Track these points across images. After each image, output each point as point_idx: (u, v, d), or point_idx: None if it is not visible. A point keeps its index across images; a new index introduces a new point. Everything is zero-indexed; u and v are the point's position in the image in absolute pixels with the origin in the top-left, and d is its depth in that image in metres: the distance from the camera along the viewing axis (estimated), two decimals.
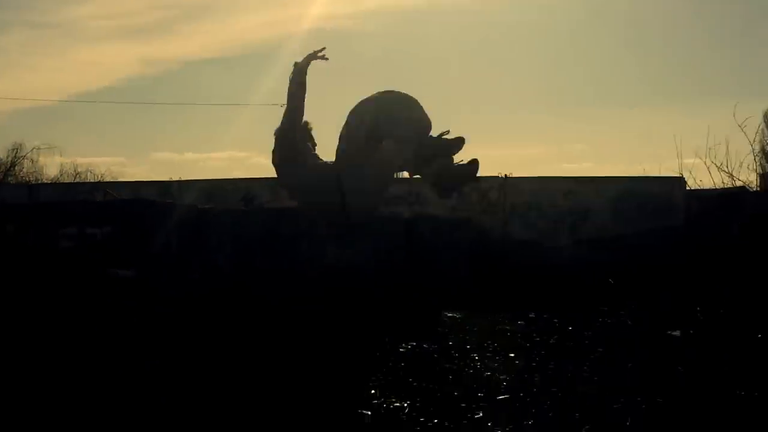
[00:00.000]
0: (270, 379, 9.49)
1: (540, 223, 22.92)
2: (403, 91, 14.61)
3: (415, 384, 9.63)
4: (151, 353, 9.44)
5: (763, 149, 34.94)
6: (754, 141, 26.31)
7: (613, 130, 79.27)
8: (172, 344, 10.44)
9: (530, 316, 15.28)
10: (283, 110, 14.48)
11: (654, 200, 22.14)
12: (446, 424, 7.99)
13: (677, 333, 5.76)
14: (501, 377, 9.97)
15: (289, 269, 8.90)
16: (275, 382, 9.39)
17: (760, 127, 36.53)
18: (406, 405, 8.66)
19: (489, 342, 12.60)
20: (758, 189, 22.78)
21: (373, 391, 9.22)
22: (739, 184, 24.04)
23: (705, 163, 25.75)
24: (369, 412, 8.25)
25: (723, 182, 24.66)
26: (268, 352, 10.51)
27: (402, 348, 11.81)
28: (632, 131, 75.97)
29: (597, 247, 21.69)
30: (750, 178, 26.26)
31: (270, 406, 8.51)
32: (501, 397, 8.92)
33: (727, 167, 24.43)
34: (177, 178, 26.43)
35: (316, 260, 10.44)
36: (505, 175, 23.75)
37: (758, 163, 28.58)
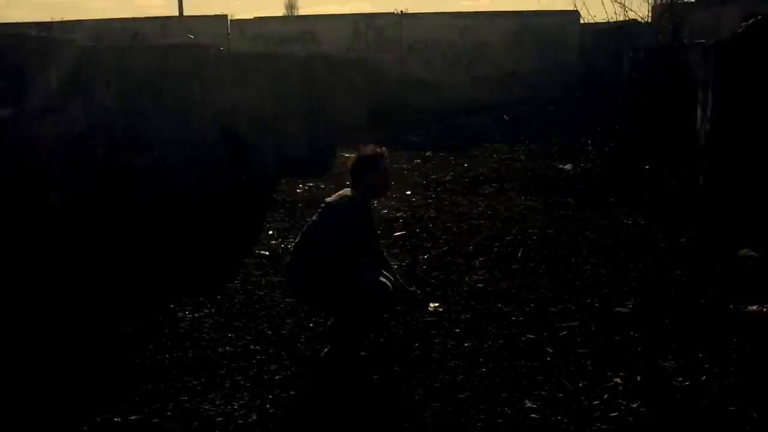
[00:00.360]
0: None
1: (437, 61, 22.76)
2: None
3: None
4: None
5: None
6: None
7: None
8: None
9: (427, 154, 15.41)
10: None
11: (549, 35, 22.17)
12: None
13: (626, 310, 5.94)
14: (398, 214, 10.07)
15: (178, 110, 8.55)
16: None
17: None
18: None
19: None
20: (649, 21, 22.90)
21: (270, 232, 9.21)
22: (632, 16, 24.15)
23: None
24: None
25: (616, 14, 24.70)
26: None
27: (299, 188, 11.80)
28: None
29: (493, 84, 21.74)
30: (643, 11, 26.41)
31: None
32: (397, 233, 9.03)
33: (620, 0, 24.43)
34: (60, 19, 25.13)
35: (211, 103, 10.13)
36: (402, 11, 23.36)
37: None
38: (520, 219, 9.56)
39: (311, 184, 12.09)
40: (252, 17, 24.22)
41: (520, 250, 8.09)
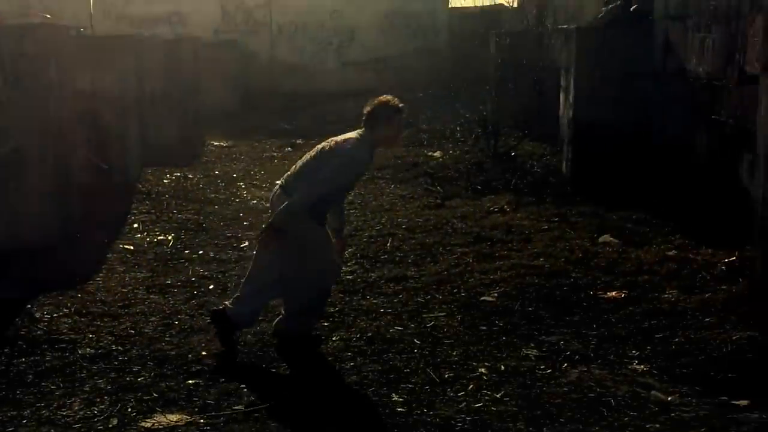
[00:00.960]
0: None
1: (307, 45, 22.54)
2: None
3: (179, 216, 9.44)
4: None
5: None
6: None
7: None
8: None
9: (297, 141, 15.27)
10: None
11: (419, 19, 22.28)
12: (211, 255, 7.91)
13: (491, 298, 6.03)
14: (267, 205, 9.93)
15: (35, 95, 8.12)
16: None
17: None
18: (170, 238, 8.47)
19: (256, 170, 12.55)
20: (515, 6, 23.36)
21: (135, 225, 8.94)
22: (499, 1, 24.61)
23: None
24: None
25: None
26: None
27: (166, 178, 11.50)
28: None
29: (364, 69, 21.71)
30: None
31: None
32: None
33: None
34: None
35: (70, 88, 9.68)
36: None
37: None
38: (389, 208, 9.61)
39: (178, 174, 11.81)
40: None
41: (389, 240, 8.12)
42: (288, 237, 5.32)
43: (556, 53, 12.21)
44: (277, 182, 5.62)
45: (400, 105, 5.36)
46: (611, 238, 7.64)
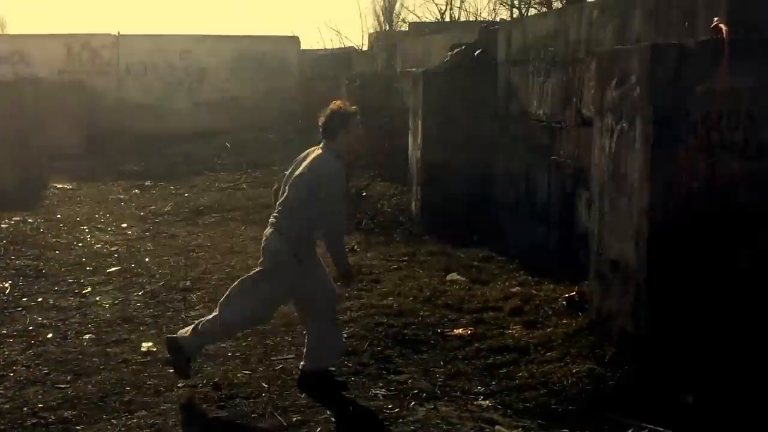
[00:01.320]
0: None
1: (156, 85, 22.12)
2: None
3: (17, 262, 9.00)
4: None
5: (375, 11, 36.43)
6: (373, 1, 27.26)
7: None
8: None
9: (146, 183, 14.95)
10: None
11: (270, 60, 22.28)
12: (50, 302, 7.56)
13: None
14: (112, 249, 9.65)
15: None
16: None
17: None
18: (7, 285, 8.06)
19: (101, 213, 12.16)
20: (365, 50, 23.74)
21: None
22: (348, 44, 24.97)
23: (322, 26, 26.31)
24: None
25: (332, 42, 25.42)
26: None
27: (5, 223, 10.97)
28: None
29: (216, 109, 21.48)
30: (359, 39, 27.38)
31: None
32: (110, 269, 8.64)
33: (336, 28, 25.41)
34: None
35: None
36: (118, 32, 22.46)
37: (369, 24, 29.82)
38: (240, 250, 9.47)
39: (18, 218, 11.29)
40: None
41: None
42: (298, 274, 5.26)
43: (405, 96, 12.45)
44: (269, 228, 5.44)
45: (353, 108, 5.36)
46: (459, 276, 7.78)
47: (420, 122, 10.55)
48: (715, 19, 5.40)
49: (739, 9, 5.68)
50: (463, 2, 28.69)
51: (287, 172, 5.48)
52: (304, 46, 23.45)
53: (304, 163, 5.33)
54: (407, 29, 23.23)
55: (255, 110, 20.70)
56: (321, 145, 5.34)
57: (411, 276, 7.94)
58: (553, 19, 8.83)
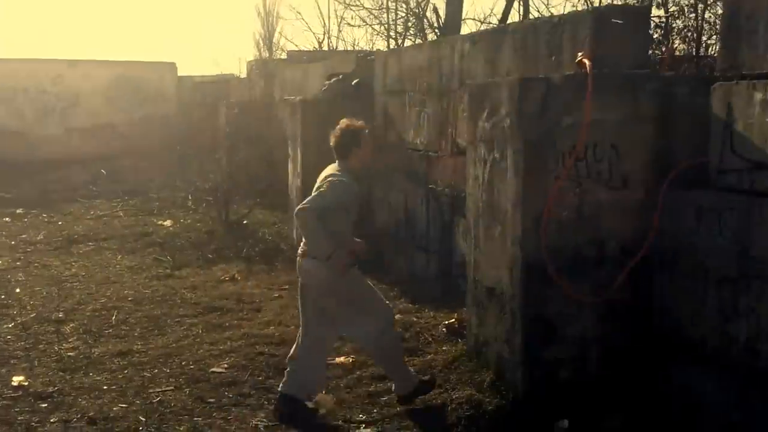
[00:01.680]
0: None
1: (27, 110, 21.39)
2: None
3: None
4: None
5: (254, 39, 36.51)
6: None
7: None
8: None
9: (17, 212, 14.43)
10: None
11: (147, 86, 21.90)
12: None
13: None
14: None
15: None
16: None
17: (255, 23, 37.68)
18: None
19: None
20: (243, 76, 23.67)
21: None
22: (226, 71, 24.89)
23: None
24: None
25: (210, 69, 25.23)
26: None
27: None
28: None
29: (90, 135, 20.93)
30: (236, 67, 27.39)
31: None
32: None
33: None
34: None
35: None
36: None
37: (248, 52, 29.78)
38: (116, 280, 9.26)
39: None
40: None
41: (114, 314, 7.81)
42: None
43: (284, 124, 12.46)
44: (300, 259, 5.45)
45: (360, 123, 5.47)
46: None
47: (299, 150, 10.57)
48: (579, 54, 5.65)
49: (600, 45, 5.96)
50: (340, 32, 28.93)
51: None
52: (181, 72, 23.17)
53: (317, 183, 5.41)
54: (285, 57, 23.27)
55: (131, 137, 20.28)
56: (335, 164, 5.46)
57: (292, 305, 7.88)
58: (428, 51, 9.02)
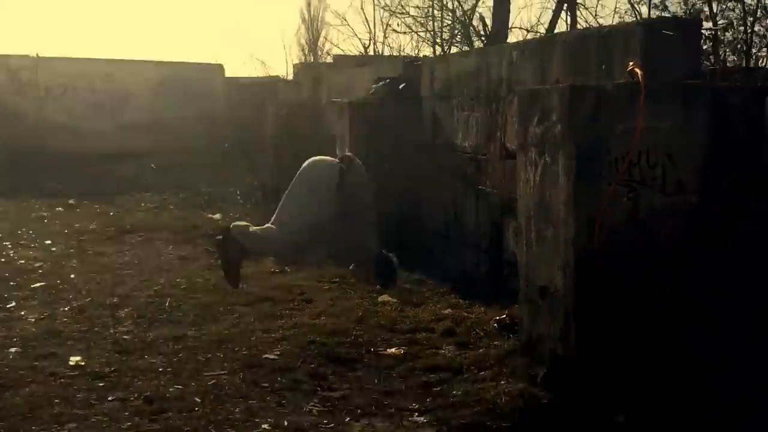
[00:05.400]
0: None
1: (78, 107, 21.81)
2: None
3: None
4: None
5: (299, 43, 36.76)
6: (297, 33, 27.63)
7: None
8: None
9: (70, 202, 14.75)
10: None
11: (194, 86, 22.24)
12: None
13: None
14: (36, 265, 9.54)
15: None
16: None
17: (299, 27, 37.97)
18: None
19: (25, 229, 11.98)
20: (290, 79, 23.91)
21: None
22: (273, 73, 25.18)
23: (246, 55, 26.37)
24: None
25: (256, 71, 25.57)
26: None
27: None
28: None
29: (140, 132, 21.28)
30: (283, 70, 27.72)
31: None
32: (35, 284, 8.55)
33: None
34: None
35: None
36: (37, 54, 22.12)
37: (294, 56, 30.11)
38: (168, 269, 9.45)
39: None
40: None
41: (168, 301, 7.99)
42: None
43: (332, 125, 12.64)
44: None
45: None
46: (390, 298, 7.94)
47: (346, 151, 10.74)
48: (630, 63, 5.73)
49: (651, 56, 6.05)
50: (386, 38, 29.12)
51: None
52: (228, 74, 23.50)
53: None
54: (331, 61, 23.49)
55: (180, 134, 20.60)
56: None
57: (343, 297, 8.06)
58: (476, 58, 9.15)
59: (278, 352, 6.38)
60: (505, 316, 6.83)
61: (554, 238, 5.56)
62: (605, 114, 5.26)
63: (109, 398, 5.51)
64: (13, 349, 6.50)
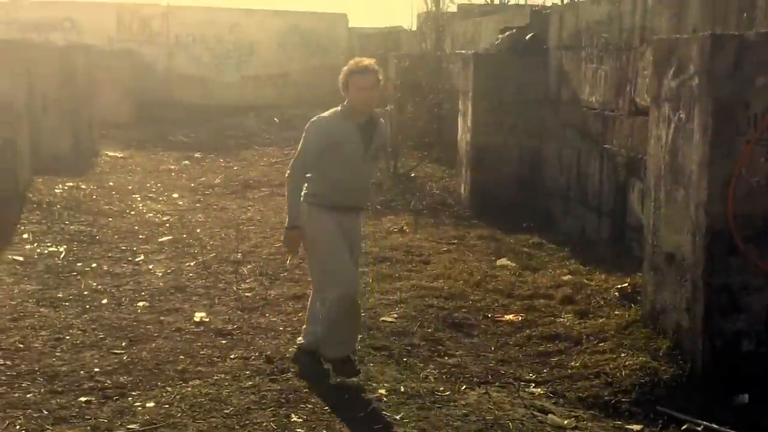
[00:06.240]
0: None
1: (205, 57, 22.25)
2: None
3: (72, 227, 9.16)
4: None
5: None
6: None
7: None
8: None
9: (196, 155, 15.09)
10: None
11: (319, 36, 22.34)
12: (105, 268, 7.70)
13: None
14: (164, 218, 9.79)
15: None
16: None
17: None
18: (62, 249, 8.21)
19: (152, 182, 12.31)
20: (414, 29, 23.62)
21: (25, 235, 8.64)
22: (397, 23, 24.89)
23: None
24: None
25: (380, 20, 25.33)
26: None
27: (58, 188, 11.15)
28: None
29: (264, 84, 21.58)
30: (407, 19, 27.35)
31: None
32: (163, 238, 8.77)
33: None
34: None
35: None
36: (168, 2, 22.59)
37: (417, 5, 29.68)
38: None
39: (71, 184, 11.45)
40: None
41: (289, 258, 8.05)
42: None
43: (455, 77, 12.41)
44: None
45: (356, 67, 5.22)
46: (508, 262, 7.80)
47: (470, 105, 10.53)
48: None
49: None
50: None
51: None
52: (351, 23, 23.43)
53: None
54: (456, 10, 23.06)
55: (303, 86, 20.78)
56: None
57: (460, 259, 7.98)
58: (607, 6, 8.74)
59: (396, 315, 6.36)
60: (626, 284, 6.60)
61: (685, 201, 5.30)
62: (746, 66, 4.95)
63: (231, 356, 5.61)
64: (141, 303, 6.71)
